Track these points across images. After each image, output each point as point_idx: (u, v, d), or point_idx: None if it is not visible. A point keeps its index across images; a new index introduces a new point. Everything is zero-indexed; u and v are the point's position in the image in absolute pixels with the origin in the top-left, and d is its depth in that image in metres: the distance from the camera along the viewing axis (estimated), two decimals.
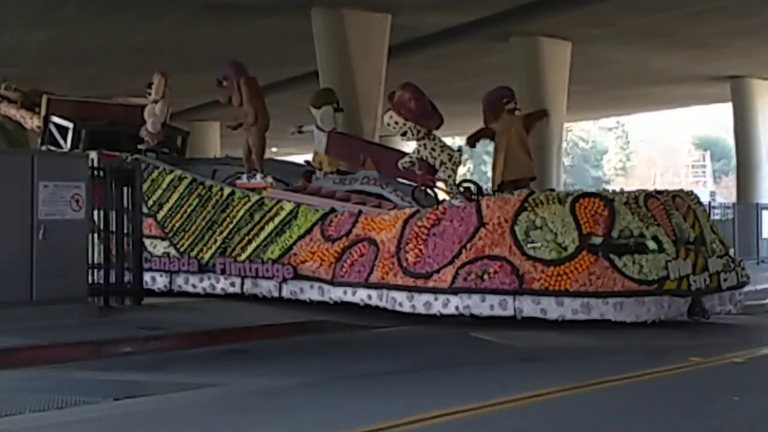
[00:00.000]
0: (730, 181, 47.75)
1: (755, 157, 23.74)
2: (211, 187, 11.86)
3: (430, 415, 5.16)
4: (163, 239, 11.87)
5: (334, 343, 8.79)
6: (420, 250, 9.60)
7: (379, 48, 16.26)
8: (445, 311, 9.38)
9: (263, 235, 11.10)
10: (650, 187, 11.25)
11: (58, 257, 8.95)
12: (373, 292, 9.89)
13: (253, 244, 11.13)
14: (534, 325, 9.00)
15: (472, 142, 11.72)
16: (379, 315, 9.83)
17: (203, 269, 11.39)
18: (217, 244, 11.42)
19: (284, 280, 10.68)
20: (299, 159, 23.09)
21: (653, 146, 64.72)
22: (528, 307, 9.02)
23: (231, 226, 11.39)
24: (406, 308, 9.58)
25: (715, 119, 54.33)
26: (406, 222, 9.91)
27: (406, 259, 9.64)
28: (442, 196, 11.34)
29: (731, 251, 10.60)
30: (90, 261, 9.70)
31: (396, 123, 10.85)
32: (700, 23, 17.15)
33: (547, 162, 18.57)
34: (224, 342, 8.39)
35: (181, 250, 11.67)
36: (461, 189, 11.25)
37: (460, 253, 9.35)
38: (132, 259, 10.48)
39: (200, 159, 16.78)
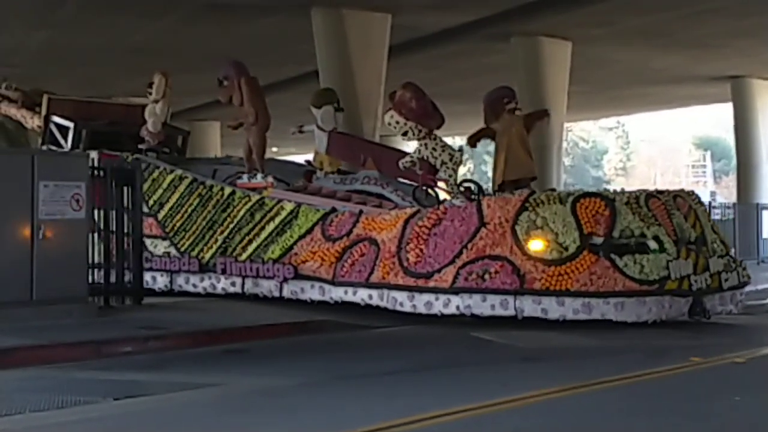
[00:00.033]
0: (731, 181, 47.74)
1: (755, 157, 23.74)
2: (211, 186, 11.85)
3: (430, 415, 5.16)
4: (163, 239, 11.86)
5: (334, 342, 8.78)
6: (421, 250, 9.59)
7: (379, 48, 16.25)
8: (446, 311, 9.37)
9: (264, 234, 11.10)
10: (650, 187, 11.25)
11: (59, 257, 8.94)
12: (374, 292, 9.88)
13: (254, 244, 11.13)
14: (535, 325, 9.00)
15: (472, 141, 11.71)
16: (379, 315, 9.82)
17: (204, 269, 11.39)
18: (218, 243, 11.41)
19: (285, 279, 10.68)
20: (299, 159, 23.11)
21: (653, 146, 64.73)
22: (529, 307, 9.01)
23: (232, 225, 11.39)
24: (407, 308, 9.58)
25: (715, 119, 54.35)
26: (406, 222, 9.90)
27: (407, 259, 9.64)
28: (443, 195, 11.33)
29: (732, 251, 10.59)
30: (90, 261, 9.70)
31: (397, 123, 10.84)
32: (700, 23, 17.14)
33: (548, 162, 18.56)
34: (224, 342, 8.39)
35: (182, 249, 11.67)
36: (462, 189, 11.24)
37: (461, 252, 9.35)
38: (132, 258, 10.48)
39: (201, 159, 16.78)
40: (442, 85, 18.93)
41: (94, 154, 11.62)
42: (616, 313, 8.84)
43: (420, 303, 9.50)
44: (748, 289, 10.38)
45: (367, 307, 10.01)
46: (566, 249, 9.02)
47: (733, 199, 26.17)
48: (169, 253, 11.72)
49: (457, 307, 9.30)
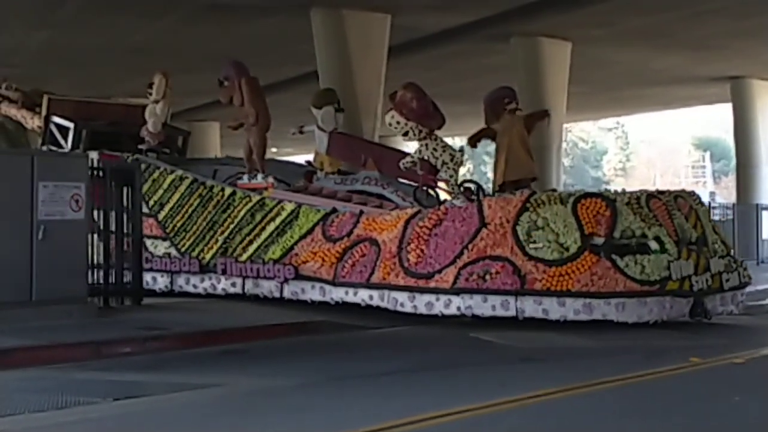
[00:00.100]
0: (730, 181, 47.75)
1: (755, 158, 23.74)
2: (212, 187, 11.85)
3: (429, 416, 5.16)
4: (164, 239, 11.85)
5: (333, 343, 8.78)
6: (422, 251, 9.58)
7: (378, 48, 16.25)
8: (447, 312, 9.36)
9: (264, 235, 11.09)
10: (650, 188, 11.23)
11: (58, 258, 8.93)
12: (375, 293, 9.88)
13: (255, 245, 11.12)
14: (536, 325, 8.99)
15: (473, 142, 11.72)
16: (380, 315, 9.82)
17: (204, 269, 11.38)
18: (218, 244, 11.40)
19: (285, 280, 10.67)
20: (298, 159, 23.10)
21: (653, 147, 64.74)
22: (530, 307, 9.00)
23: (232, 226, 11.38)
24: (408, 309, 9.57)
25: (715, 120, 54.35)
26: (407, 222, 9.90)
27: (408, 260, 9.63)
28: (443, 196, 11.33)
29: (732, 252, 10.58)
30: (90, 261, 9.69)
31: (398, 123, 10.83)
32: (700, 24, 17.15)
33: (547, 162, 18.56)
34: (224, 342, 8.38)
35: (182, 250, 11.66)
36: (462, 189, 11.24)
37: (461, 253, 9.34)
38: (132, 259, 10.47)
39: (201, 159, 16.77)
40: (441, 86, 18.92)
41: (94, 155, 11.61)
42: (617, 313, 8.84)
43: (421, 303, 9.50)
44: (748, 289, 10.37)
45: (367, 307, 10.00)
46: (567, 249, 9.01)
47: (733, 199, 26.17)
48: (169, 254, 11.71)
49: (458, 308, 9.29)
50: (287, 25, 16.87)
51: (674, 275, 8.98)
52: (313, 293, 10.49)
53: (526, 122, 11.40)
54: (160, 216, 11.95)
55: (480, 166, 54.82)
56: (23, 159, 9.09)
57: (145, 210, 11.59)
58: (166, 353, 7.93)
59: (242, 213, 11.38)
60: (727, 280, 9.60)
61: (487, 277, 9.13)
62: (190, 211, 11.80)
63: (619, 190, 10.41)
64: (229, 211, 11.49)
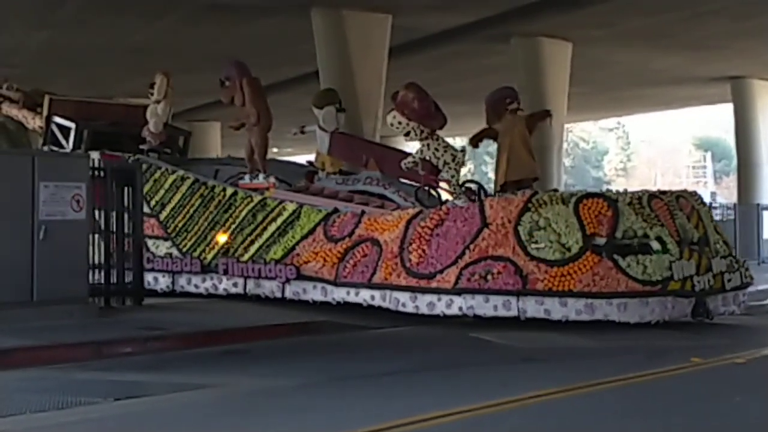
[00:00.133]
0: (731, 181, 47.72)
1: (756, 158, 23.74)
2: (213, 187, 11.84)
3: (429, 416, 5.15)
4: (165, 239, 11.85)
5: (334, 343, 8.77)
6: (423, 251, 9.58)
7: (379, 49, 16.24)
8: (449, 312, 9.36)
9: (266, 235, 11.08)
10: (651, 188, 11.22)
11: (59, 258, 8.92)
12: (377, 293, 9.87)
13: (256, 245, 11.11)
14: (537, 325, 8.98)
15: (474, 142, 11.70)
16: (382, 315, 9.81)
17: (206, 270, 11.37)
18: (220, 244, 11.39)
19: (287, 280, 10.66)
20: (299, 159, 23.09)
21: (654, 147, 64.74)
22: (532, 307, 9.00)
23: (234, 226, 11.37)
24: (410, 309, 9.57)
25: (715, 120, 54.34)
26: (409, 222, 9.89)
27: (410, 260, 9.63)
28: (445, 196, 11.31)
29: (734, 252, 10.58)
30: (91, 261, 9.68)
31: (399, 123, 10.81)
32: (700, 24, 17.14)
33: (548, 162, 18.54)
34: (225, 342, 8.37)
35: (184, 250, 11.65)
36: (464, 189, 11.23)
37: (463, 253, 9.33)
38: (133, 259, 10.46)
39: (202, 159, 16.77)
40: (442, 86, 18.86)
41: (95, 155, 11.60)
42: (619, 313, 8.82)
43: (422, 304, 9.49)
44: (748, 289, 10.36)
45: (369, 307, 10.00)
46: (569, 250, 9.01)
47: (734, 199, 26.15)
48: (171, 254, 11.70)
49: (460, 308, 9.28)
50: (287, 26, 16.87)
51: (676, 275, 8.97)
52: (314, 293, 10.49)
53: (528, 122, 11.39)
54: (162, 216, 11.94)
55: (481, 166, 54.82)
56: (24, 159, 9.10)
57: (146, 210, 11.58)
58: (167, 353, 7.93)
59: (244, 213, 11.37)
60: (729, 280, 9.59)
61: (489, 277, 9.13)
62: (191, 211, 11.79)
63: (621, 190, 10.40)
64: (230, 212, 11.48)
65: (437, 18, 16.67)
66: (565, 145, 26.36)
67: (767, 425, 5.28)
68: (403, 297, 9.60)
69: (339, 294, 10.25)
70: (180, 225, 11.80)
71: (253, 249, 11.12)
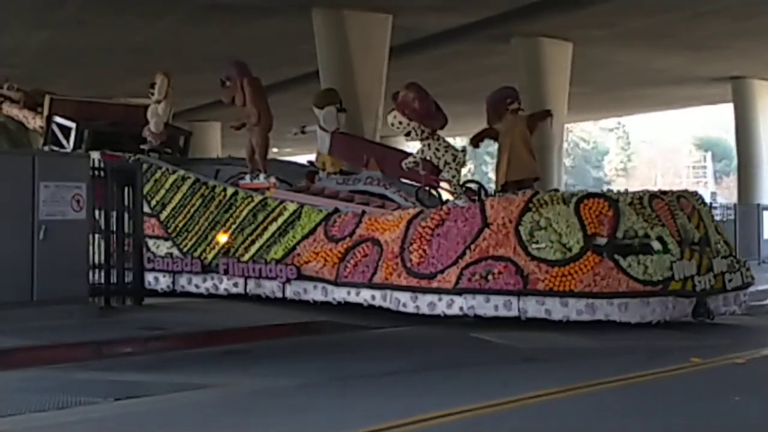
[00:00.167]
0: (731, 181, 47.70)
1: (756, 158, 23.72)
2: (214, 187, 11.83)
3: (430, 416, 5.15)
4: (166, 239, 11.84)
5: (335, 343, 8.76)
6: (424, 251, 9.57)
7: (379, 49, 16.24)
8: (450, 312, 9.35)
9: (266, 235, 11.08)
10: (651, 188, 11.21)
11: (59, 257, 8.92)
12: (377, 293, 9.86)
13: (257, 245, 11.10)
14: (538, 325, 8.98)
15: (475, 142, 11.70)
16: (382, 315, 9.81)
17: (206, 269, 11.36)
18: (221, 244, 11.38)
19: (288, 280, 10.66)
20: (299, 159, 23.08)
21: (654, 147, 64.72)
22: (532, 307, 8.99)
23: (234, 226, 11.37)
24: (410, 309, 9.56)
25: (716, 120, 54.34)
26: (409, 222, 9.88)
27: (410, 260, 9.62)
28: (446, 196, 11.31)
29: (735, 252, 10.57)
30: (91, 261, 9.67)
31: (400, 123, 10.80)
32: (701, 24, 17.13)
33: (548, 163, 18.53)
34: (225, 342, 8.37)
35: (185, 250, 11.64)
36: (464, 189, 11.22)
37: (464, 253, 9.33)
38: (133, 259, 10.46)
39: (203, 159, 16.76)
40: (442, 86, 18.86)
41: (96, 155, 11.60)
42: (620, 313, 8.82)
43: (423, 304, 9.48)
44: (749, 289, 10.35)
45: (370, 307, 9.99)
46: (570, 250, 9.00)
47: (734, 199, 26.14)
48: (171, 254, 11.70)
49: (461, 308, 9.27)
50: (288, 26, 16.86)
51: (677, 275, 8.96)
52: (315, 293, 10.48)
53: (529, 122, 11.38)
54: (162, 216, 11.94)
55: (481, 166, 54.81)
56: (24, 159, 9.09)
57: (147, 210, 11.58)
58: (168, 353, 7.92)
59: (244, 213, 11.37)
60: (730, 281, 9.59)
61: (490, 277, 9.12)
62: (192, 211, 11.79)
63: (622, 190, 10.39)
64: (231, 211, 11.48)
65: (438, 18, 16.66)
66: (565, 145, 26.35)
67: (767, 425, 5.27)
68: (404, 297, 9.60)
69: (339, 294, 10.24)
70: (181, 225, 11.80)
71: (253, 249, 11.11)
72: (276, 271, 10.74)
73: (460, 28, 17.26)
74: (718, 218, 16.70)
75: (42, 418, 5.42)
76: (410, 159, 11.22)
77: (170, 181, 12.11)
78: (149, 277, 11.36)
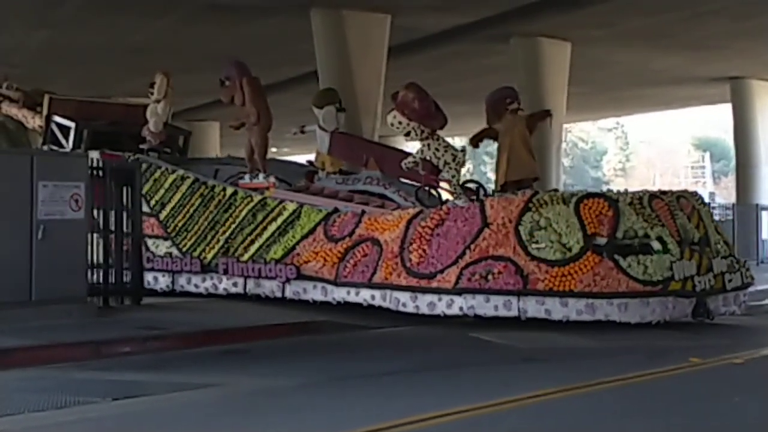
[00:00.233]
0: (730, 182, 47.75)
1: (755, 158, 23.71)
2: (213, 187, 11.82)
3: (429, 416, 5.15)
4: (165, 239, 11.83)
5: (335, 343, 8.76)
6: (424, 251, 9.56)
7: (378, 49, 16.23)
8: (449, 312, 9.35)
9: (266, 235, 11.07)
10: (650, 188, 11.21)
11: (58, 257, 8.90)
12: (377, 293, 9.86)
13: (256, 244, 11.10)
14: (538, 325, 8.97)
15: (475, 142, 11.70)
16: (382, 315, 9.80)
17: (206, 269, 11.35)
18: (220, 244, 11.38)
19: (287, 280, 10.65)
20: (295, 159, 23.07)
21: (653, 147, 64.74)
22: (532, 307, 8.99)
23: (234, 226, 11.36)
24: (410, 308, 9.56)
25: (714, 120, 54.37)
26: (409, 222, 9.88)
27: (410, 260, 9.61)
28: (445, 196, 11.30)
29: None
30: (90, 261, 9.66)
31: (400, 123, 10.79)
32: (700, 24, 17.13)
33: (547, 162, 18.52)
34: (224, 342, 8.36)
35: (184, 250, 11.63)
36: (464, 189, 11.21)
37: (464, 253, 9.33)
38: (131, 258, 10.44)
39: (202, 159, 16.75)
40: (442, 86, 18.83)
41: (95, 154, 11.58)
42: (620, 314, 8.82)
43: (423, 303, 9.48)
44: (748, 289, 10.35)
45: (369, 307, 9.98)
46: (570, 250, 8.99)
47: (732, 199, 26.15)
48: (171, 254, 11.69)
49: (460, 308, 9.27)
50: (287, 25, 16.85)
51: (677, 275, 8.96)
52: (314, 293, 10.47)
53: (528, 122, 11.39)
54: (162, 216, 11.93)
55: (480, 166, 54.82)
56: (23, 158, 9.08)
57: (146, 209, 11.57)
58: (167, 353, 7.91)
59: (244, 213, 11.36)
60: (730, 281, 9.59)
61: (490, 277, 9.11)
62: (191, 210, 11.78)
63: (621, 190, 10.38)
64: (230, 211, 11.47)
65: (437, 18, 16.66)
66: (564, 145, 26.33)
67: (766, 425, 5.28)
68: (404, 297, 9.59)
69: (339, 294, 10.24)
70: (180, 224, 11.79)
71: (253, 249, 11.10)
72: (275, 271, 10.73)
73: (458, 28, 17.25)
74: (716, 218, 16.72)
75: (40, 417, 5.41)
76: (410, 159, 11.21)
77: (169, 180, 12.10)
78: (148, 277, 11.35)
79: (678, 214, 9.51)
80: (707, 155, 61.98)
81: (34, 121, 14.99)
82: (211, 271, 11.32)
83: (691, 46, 18.92)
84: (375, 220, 10.34)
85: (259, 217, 11.22)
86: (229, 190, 11.68)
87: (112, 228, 10.38)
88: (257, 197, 11.44)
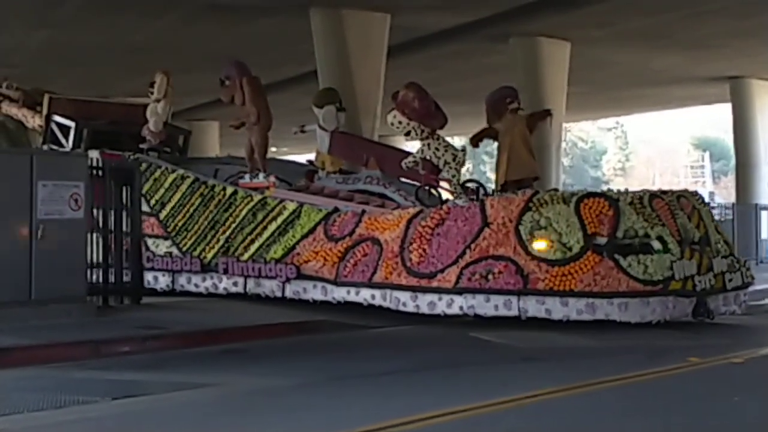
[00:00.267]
0: (729, 181, 47.75)
1: (754, 158, 23.71)
2: (213, 186, 11.82)
3: (428, 415, 5.14)
4: (165, 239, 11.82)
5: (333, 343, 8.76)
6: (424, 250, 9.56)
7: (378, 48, 16.22)
8: (450, 311, 9.34)
9: (266, 234, 11.06)
10: (649, 188, 11.21)
11: (57, 257, 8.90)
12: (377, 292, 9.85)
13: (256, 244, 11.09)
14: (538, 325, 8.97)
15: (475, 141, 11.70)
16: (382, 315, 9.79)
17: (206, 269, 11.35)
18: (220, 243, 11.38)
19: (287, 279, 10.64)
20: (297, 158, 23.07)
21: (652, 147, 64.74)
22: (532, 307, 8.98)
23: (234, 225, 11.35)
24: (410, 308, 9.55)
25: (714, 120, 54.36)
26: (409, 222, 9.87)
27: (410, 259, 9.61)
28: (445, 195, 11.30)
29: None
30: (89, 260, 9.65)
31: (400, 122, 10.79)
32: (700, 24, 17.13)
33: (546, 162, 18.50)
34: (223, 342, 8.36)
35: (184, 249, 11.63)
36: (464, 189, 11.21)
37: (464, 253, 9.32)
38: (131, 258, 10.44)
39: (202, 158, 16.74)
40: (441, 86, 18.82)
41: (95, 154, 11.58)
42: (620, 313, 8.81)
43: (423, 303, 9.47)
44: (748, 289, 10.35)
45: (369, 307, 9.98)
46: (570, 249, 8.99)
47: (732, 199, 26.15)
48: (171, 253, 11.68)
49: (461, 308, 9.26)
50: (287, 25, 16.84)
51: (677, 275, 8.96)
52: (315, 293, 10.47)
53: (528, 122, 11.39)
54: (162, 215, 11.92)
55: (479, 166, 54.82)
56: (23, 158, 9.07)
57: (146, 209, 11.57)
58: (166, 352, 7.90)
59: (244, 212, 11.35)
60: (730, 280, 9.59)
61: (490, 276, 9.11)
62: (191, 210, 11.77)
63: (621, 189, 10.38)
64: (230, 211, 11.46)
65: (436, 17, 16.65)
66: (563, 145, 26.32)
67: (765, 424, 5.28)
68: (404, 296, 9.58)
69: (339, 293, 10.23)
70: (180, 224, 11.78)
71: (253, 248, 11.09)
72: (276, 271, 10.72)
73: (458, 27, 17.24)
74: (716, 218, 16.71)
75: (40, 417, 5.40)
76: (410, 158, 11.21)
77: (169, 180, 12.09)
78: (149, 276, 11.35)
79: (678, 214, 9.51)
80: (707, 155, 61.98)
81: (34, 121, 14.98)
82: (211, 270, 11.31)
83: (691, 45, 18.91)
84: (375, 219, 10.33)
85: (259, 216, 11.21)
86: (229, 190, 11.68)
87: (112, 227, 10.38)
88: (257, 197, 11.43)
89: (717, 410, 5.49)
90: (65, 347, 7.58)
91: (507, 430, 5.02)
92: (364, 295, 9.99)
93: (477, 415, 5.25)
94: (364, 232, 10.28)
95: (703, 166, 62.76)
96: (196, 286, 11.42)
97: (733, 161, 28.99)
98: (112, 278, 10.25)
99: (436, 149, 10.83)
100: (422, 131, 10.81)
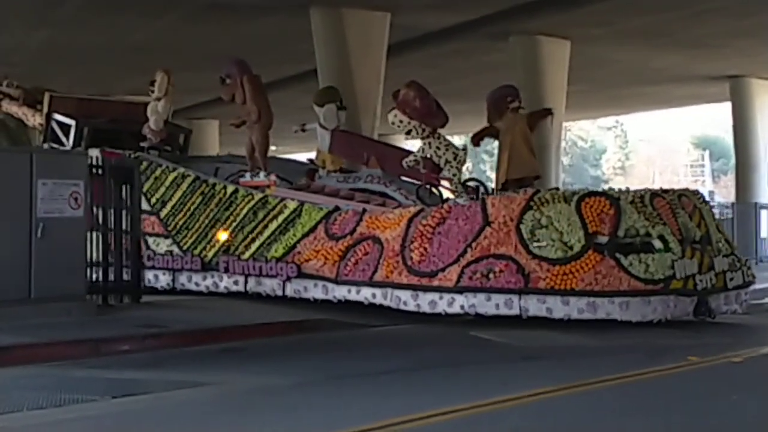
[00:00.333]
0: (729, 180, 47.74)
1: (754, 157, 23.70)
2: (214, 185, 11.81)
3: (427, 414, 5.12)
4: (166, 237, 11.81)
5: (332, 341, 8.75)
6: (425, 249, 9.55)
7: (378, 47, 16.20)
8: (450, 310, 9.33)
9: (267, 233, 11.05)
10: (649, 187, 11.20)
11: (57, 255, 8.89)
12: (378, 291, 9.84)
13: (257, 243, 11.08)
14: (539, 324, 8.96)
15: (476, 140, 11.69)
16: (383, 314, 9.78)
17: (206, 267, 11.34)
18: (220, 242, 11.36)
19: (288, 278, 10.63)
20: (297, 157, 23.05)
21: (652, 146, 64.73)
22: (533, 306, 8.97)
23: (234, 224, 11.34)
24: (411, 307, 9.54)
25: (713, 119, 54.35)
26: (410, 220, 9.86)
27: (411, 258, 9.60)
28: (446, 194, 11.29)
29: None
30: (89, 259, 9.65)
31: (401, 121, 10.77)
32: (699, 23, 17.11)
33: (546, 161, 18.46)
34: (223, 340, 8.36)
35: (184, 248, 11.62)
36: (465, 187, 11.20)
37: (465, 251, 9.31)
38: (131, 256, 10.43)
39: (203, 157, 16.73)
40: (441, 84, 18.78)
41: (95, 152, 11.57)
42: (621, 312, 8.80)
43: (424, 302, 9.46)
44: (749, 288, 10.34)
45: (370, 306, 9.97)
46: (571, 248, 8.98)
47: (732, 198, 26.14)
48: (171, 252, 11.67)
49: (462, 307, 9.25)
50: (287, 24, 16.83)
51: (678, 274, 8.94)
52: (315, 291, 10.46)
53: (529, 120, 11.39)
54: (162, 214, 11.91)
55: (479, 165, 54.80)
56: (22, 156, 9.07)
57: (147, 208, 11.56)
58: (165, 351, 7.90)
59: (244, 211, 11.34)
60: (731, 279, 9.58)
61: (491, 275, 9.10)
62: (192, 208, 11.76)
63: (622, 188, 10.38)
64: (231, 209, 11.45)
65: (436, 16, 16.63)
66: (563, 144, 26.35)
67: (764, 423, 5.27)
68: (405, 295, 9.57)
69: (340, 292, 10.22)
70: (180, 223, 11.77)
71: (254, 247, 11.08)
72: (276, 269, 10.71)
73: (458, 26, 17.23)
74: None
75: (39, 415, 5.40)
76: (411, 157, 11.20)
77: (170, 178, 12.08)
78: (149, 275, 11.34)
79: (679, 213, 9.49)
80: (707, 154, 61.96)
81: (34, 119, 14.97)
82: (211, 269, 11.30)
83: (691, 44, 18.90)
84: (376, 218, 10.32)
85: (260, 215, 11.20)
86: (230, 189, 11.67)
87: (112, 226, 10.37)
88: (258, 195, 11.42)
89: (717, 409, 5.49)
90: (65, 346, 7.58)
91: (507, 430, 5.01)
92: (365, 294, 9.98)
93: (477, 414, 5.24)
94: (364, 231, 10.27)
95: (702, 165, 62.74)
96: (197, 284, 11.41)
97: (732, 160, 28.99)
98: (111, 277, 10.24)
99: (437, 148, 10.82)
100: (423, 130, 10.80)
